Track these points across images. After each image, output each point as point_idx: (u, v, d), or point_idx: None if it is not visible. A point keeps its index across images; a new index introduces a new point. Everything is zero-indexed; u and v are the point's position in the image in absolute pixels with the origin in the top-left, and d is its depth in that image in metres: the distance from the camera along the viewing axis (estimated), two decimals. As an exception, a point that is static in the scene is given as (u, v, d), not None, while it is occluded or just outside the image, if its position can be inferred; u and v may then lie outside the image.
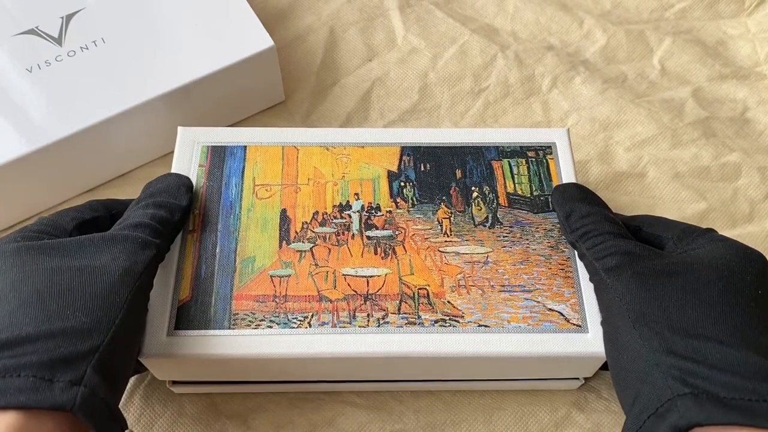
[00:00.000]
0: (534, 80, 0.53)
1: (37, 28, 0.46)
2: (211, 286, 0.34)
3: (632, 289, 0.31)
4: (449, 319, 0.34)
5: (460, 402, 0.39)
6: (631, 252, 0.32)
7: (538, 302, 0.34)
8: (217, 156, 0.39)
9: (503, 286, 0.35)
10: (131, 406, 0.39)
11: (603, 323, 0.33)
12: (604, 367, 0.34)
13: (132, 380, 0.40)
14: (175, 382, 0.38)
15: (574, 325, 0.34)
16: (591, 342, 0.33)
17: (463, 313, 0.34)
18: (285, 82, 0.51)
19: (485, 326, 0.34)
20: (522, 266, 0.36)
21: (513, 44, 0.54)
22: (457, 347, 0.33)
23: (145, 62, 0.44)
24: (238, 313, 0.34)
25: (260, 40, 0.45)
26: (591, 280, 0.34)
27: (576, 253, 0.35)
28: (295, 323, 0.33)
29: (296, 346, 0.33)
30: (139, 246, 0.32)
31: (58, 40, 0.45)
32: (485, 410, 0.39)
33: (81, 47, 0.45)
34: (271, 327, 0.33)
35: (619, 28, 0.55)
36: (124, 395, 0.39)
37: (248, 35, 0.46)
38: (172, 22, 0.46)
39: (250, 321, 0.33)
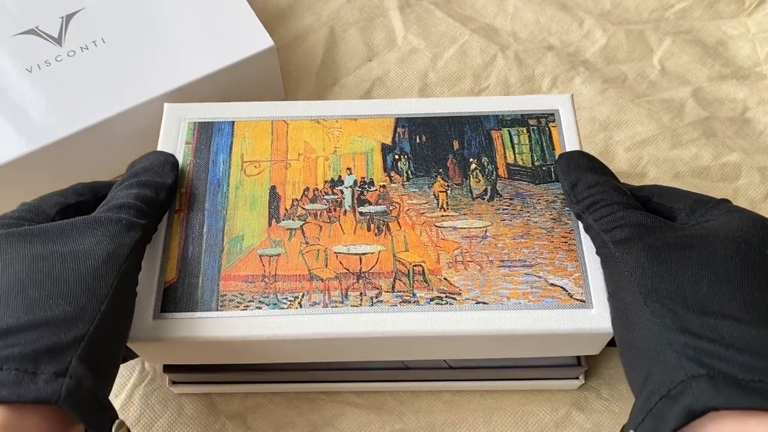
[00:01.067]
0: (534, 80, 0.53)
1: (37, 28, 0.46)
2: (198, 266, 0.33)
3: (643, 262, 0.29)
4: (446, 297, 0.32)
5: (460, 402, 0.39)
6: (642, 224, 0.30)
7: (540, 277, 0.33)
8: (204, 132, 0.38)
9: (502, 261, 0.33)
10: (131, 406, 0.39)
11: (610, 298, 0.31)
12: (611, 343, 0.33)
13: (132, 380, 0.40)
14: (174, 382, 0.38)
15: (578, 300, 0.32)
16: (596, 318, 0.32)
17: (460, 290, 0.33)
18: (285, 82, 0.51)
19: (483, 303, 0.32)
20: (522, 240, 0.34)
21: (513, 44, 0.54)
22: (454, 326, 0.32)
23: (145, 62, 0.44)
24: (226, 294, 0.33)
25: (260, 40, 0.45)
26: (598, 253, 0.32)
27: (581, 224, 0.34)
28: (285, 304, 0.32)
29: (286, 327, 0.32)
30: (124, 228, 0.30)
31: (58, 40, 0.45)
32: (485, 410, 0.39)
33: (81, 47, 0.45)
34: (260, 308, 0.32)
35: (619, 28, 0.55)
36: (123, 395, 0.39)
37: (248, 35, 0.46)
38: (172, 22, 0.46)
39: (238, 302, 0.32)
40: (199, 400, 0.39)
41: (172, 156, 0.36)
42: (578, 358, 0.38)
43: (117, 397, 0.39)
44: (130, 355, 0.34)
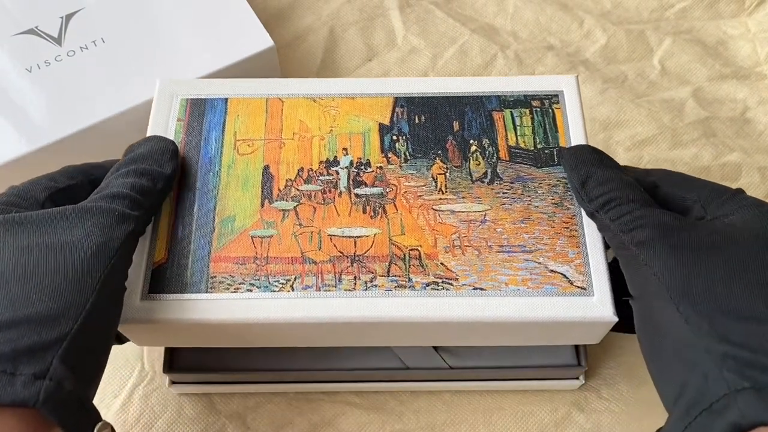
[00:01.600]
0: (534, 80, 0.53)
1: (36, 28, 0.46)
2: (188, 247, 0.32)
3: (671, 265, 0.27)
4: (442, 282, 0.32)
5: (460, 402, 0.39)
6: (664, 223, 0.28)
7: (540, 263, 0.32)
8: (197, 109, 0.37)
9: (501, 246, 0.32)
10: (130, 406, 0.39)
11: (635, 303, 0.30)
12: (614, 328, 0.32)
13: (131, 380, 0.40)
14: (174, 383, 0.38)
15: (579, 287, 0.31)
16: (597, 306, 0.31)
17: (457, 275, 0.32)
18: (285, 82, 0.51)
19: (481, 289, 0.31)
20: (522, 225, 0.33)
21: (513, 44, 0.54)
22: (450, 312, 0.31)
23: (145, 62, 0.44)
24: (216, 276, 0.32)
25: (260, 40, 0.45)
26: (617, 254, 0.30)
27: (583, 211, 0.33)
28: (276, 287, 0.31)
29: (277, 310, 0.31)
30: (116, 219, 0.29)
31: (58, 40, 0.45)
32: (485, 410, 0.39)
33: (81, 47, 0.45)
34: (251, 290, 0.31)
35: (619, 28, 0.55)
36: (123, 395, 0.39)
37: (248, 35, 0.46)
38: (172, 22, 0.46)
39: (228, 284, 0.31)
40: (198, 400, 0.39)
41: (173, 143, 0.34)
42: (578, 357, 0.38)
43: (116, 398, 0.39)
44: (124, 338, 0.33)
